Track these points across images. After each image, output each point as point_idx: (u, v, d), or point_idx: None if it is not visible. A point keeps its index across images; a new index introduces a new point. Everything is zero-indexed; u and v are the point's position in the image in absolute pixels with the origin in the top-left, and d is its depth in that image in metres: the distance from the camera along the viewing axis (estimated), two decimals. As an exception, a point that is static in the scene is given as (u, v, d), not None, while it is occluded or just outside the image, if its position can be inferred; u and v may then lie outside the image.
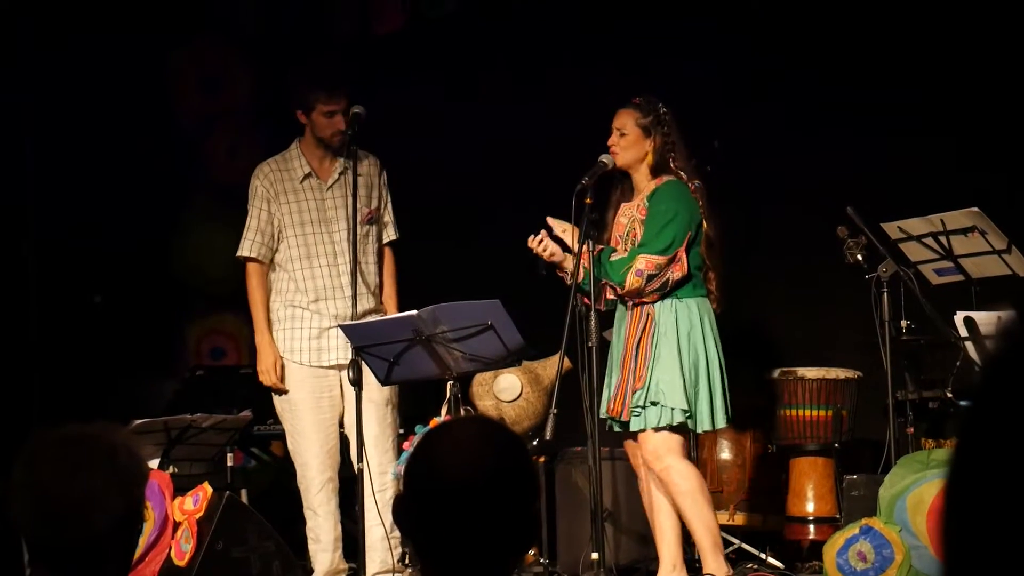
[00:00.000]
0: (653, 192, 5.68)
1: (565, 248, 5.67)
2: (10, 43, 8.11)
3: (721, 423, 5.63)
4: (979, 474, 1.03)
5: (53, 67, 8.30)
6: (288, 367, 5.99)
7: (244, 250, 6.08)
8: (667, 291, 5.60)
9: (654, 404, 5.52)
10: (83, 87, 8.49)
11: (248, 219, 6.09)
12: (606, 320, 5.88)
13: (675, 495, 5.58)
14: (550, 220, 5.70)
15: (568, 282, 5.60)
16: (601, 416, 5.66)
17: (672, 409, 5.50)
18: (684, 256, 5.59)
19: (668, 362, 5.53)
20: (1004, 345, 1.05)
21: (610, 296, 5.74)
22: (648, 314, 5.61)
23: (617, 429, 5.72)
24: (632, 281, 5.57)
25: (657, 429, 5.55)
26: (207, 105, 8.81)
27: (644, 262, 5.55)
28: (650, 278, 5.56)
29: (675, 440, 5.59)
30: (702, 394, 5.55)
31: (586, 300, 5.56)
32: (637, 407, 5.54)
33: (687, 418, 5.51)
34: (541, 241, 5.67)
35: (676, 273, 5.58)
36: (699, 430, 5.62)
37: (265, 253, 6.04)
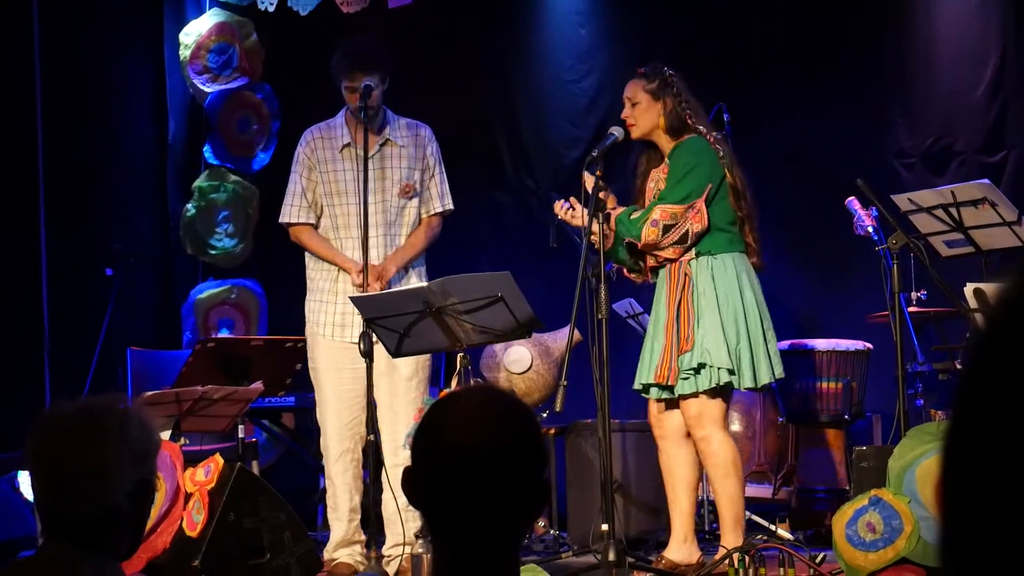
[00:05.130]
0: (674, 149, 5.70)
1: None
2: (23, 9, 8.12)
3: (765, 379, 5.60)
4: (975, 443, 1.04)
5: (59, 43, 8.30)
6: (315, 337, 6.04)
7: (288, 216, 6.05)
8: (690, 244, 5.58)
9: (702, 366, 5.53)
10: (92, 56, 8.50)
11: (289, 184, 6.09)
12: (616, 293, 5.89)
13: (709, 465, 5.63)
14: (572, 200, 5.69)
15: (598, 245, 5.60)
16: (642, 383, 5.68)
17: (719, 369, 5.51)
18: (703, 207, 5.57)
19: (710, 322, 5.53)
20: (1000, 312, 1.06)
21: (635, 277, 5.77)
22: (685, 274, 5.61)
23: (663, 396, 5.70)
24: (648, 232, 5.58)
25: (704, 394, 5.57)
26: (219, 78, 8.81)
27: (659, 212, 5.57)
28: (666, 228, 5.56)
29: (717, 408, 5.61)
30: (744, 351, 5.55)
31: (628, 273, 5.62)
32: (688, 370, 5.55)
33: (732, 377, 5.52)
34: (566, 208, 5.67)
35: (696, 225, 5.57)
36: (742, 387, 5.60)
37: (310, 216, 6.02)
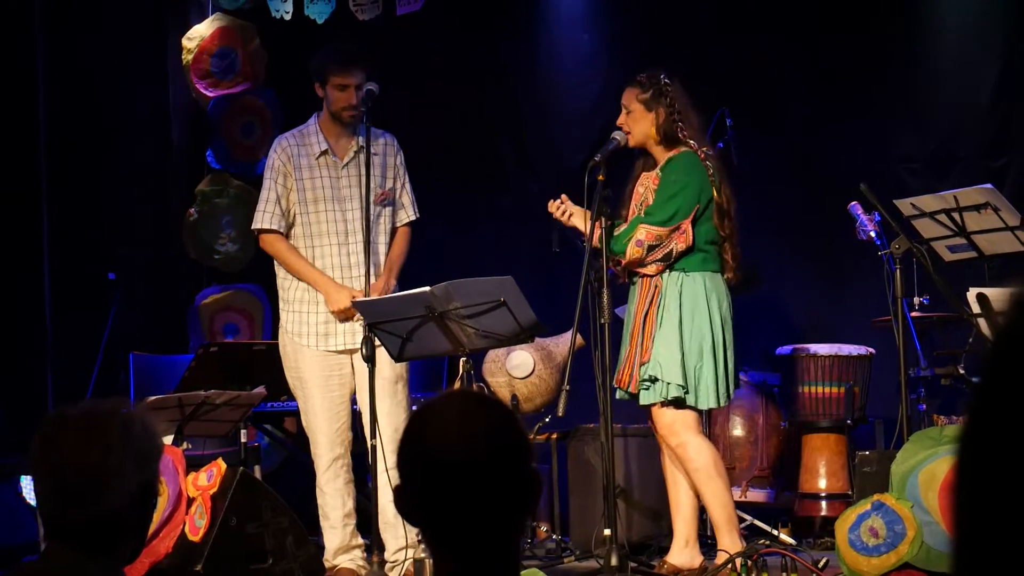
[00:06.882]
0: (666, 163, 5.70)
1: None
2: (25, 14, 8.12)
3: (722, 402, 5.65)
4: (989, 448, 1.04)
5: (62, 48, 8.31)
6: (297, 348, 5.99)
7: (261, 222, 5.99)
8: (672, 261, 5.61)
9: (654, 379, 5.55)
10: (95, 61, 8.50)
11: (263, 191, 6.03)
12: (619, 297, 5.89)
13: (690, 471, 5.62)
14: (564, 198, 5.72)
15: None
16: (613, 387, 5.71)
17: (668, 384, 5.53)
18: (689, 228, 5.59)
19: (668, 336, 5.56)
20: (1013, 319, 1.06)
21: (618, 271, 5.77)
22: (656, 287, 5.64)
23: (622, 397, 5.74)
24: (632, 251, 5.60)
25: (668, 404, 5.58)
26: (221, 83, 8.81)
27: (644, 232, 5.59)
28: (650, 248, 5.59)
29: (689, 416, 5.62)
30: (705, 371, 5.56)
31: (614, 267, 5.61)
32: (645, 381, 5.58)
33: (684, 394, 5.54)
34: (560, 205, 5.69)
35: (680, 244, 5.59)
36: (699, 407, 5.63)
37: (282, 225, 5.98)
